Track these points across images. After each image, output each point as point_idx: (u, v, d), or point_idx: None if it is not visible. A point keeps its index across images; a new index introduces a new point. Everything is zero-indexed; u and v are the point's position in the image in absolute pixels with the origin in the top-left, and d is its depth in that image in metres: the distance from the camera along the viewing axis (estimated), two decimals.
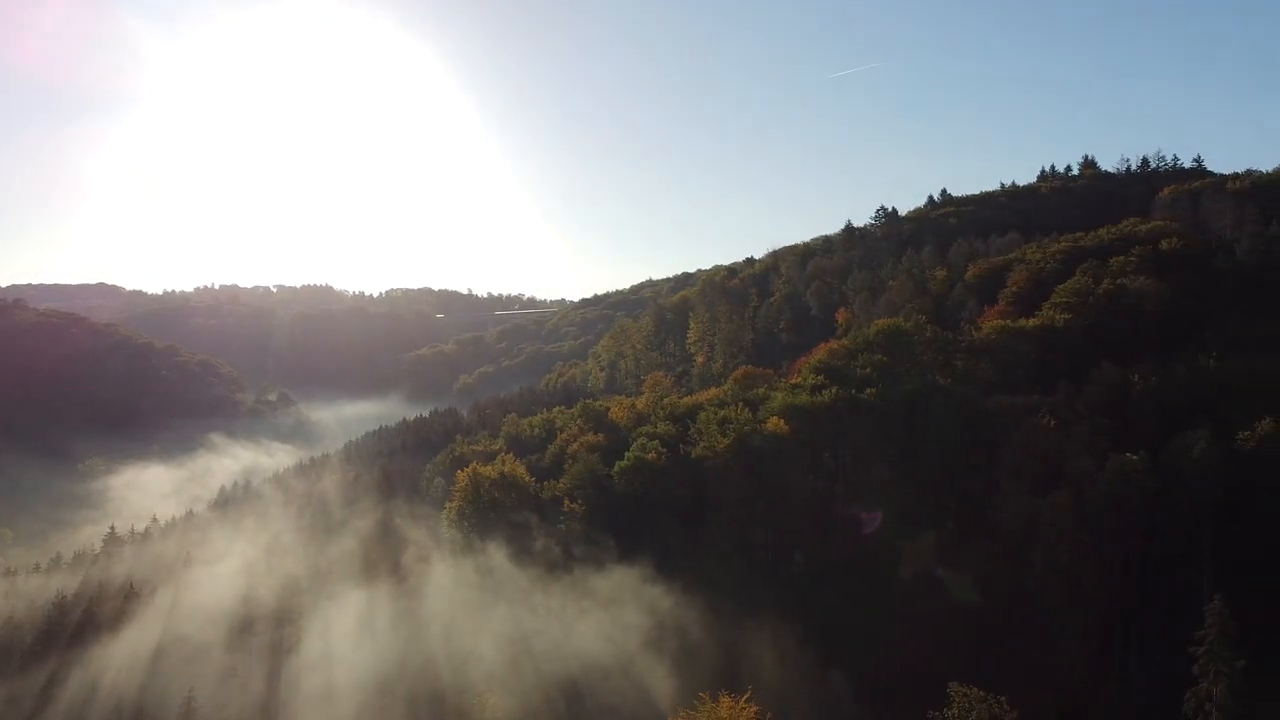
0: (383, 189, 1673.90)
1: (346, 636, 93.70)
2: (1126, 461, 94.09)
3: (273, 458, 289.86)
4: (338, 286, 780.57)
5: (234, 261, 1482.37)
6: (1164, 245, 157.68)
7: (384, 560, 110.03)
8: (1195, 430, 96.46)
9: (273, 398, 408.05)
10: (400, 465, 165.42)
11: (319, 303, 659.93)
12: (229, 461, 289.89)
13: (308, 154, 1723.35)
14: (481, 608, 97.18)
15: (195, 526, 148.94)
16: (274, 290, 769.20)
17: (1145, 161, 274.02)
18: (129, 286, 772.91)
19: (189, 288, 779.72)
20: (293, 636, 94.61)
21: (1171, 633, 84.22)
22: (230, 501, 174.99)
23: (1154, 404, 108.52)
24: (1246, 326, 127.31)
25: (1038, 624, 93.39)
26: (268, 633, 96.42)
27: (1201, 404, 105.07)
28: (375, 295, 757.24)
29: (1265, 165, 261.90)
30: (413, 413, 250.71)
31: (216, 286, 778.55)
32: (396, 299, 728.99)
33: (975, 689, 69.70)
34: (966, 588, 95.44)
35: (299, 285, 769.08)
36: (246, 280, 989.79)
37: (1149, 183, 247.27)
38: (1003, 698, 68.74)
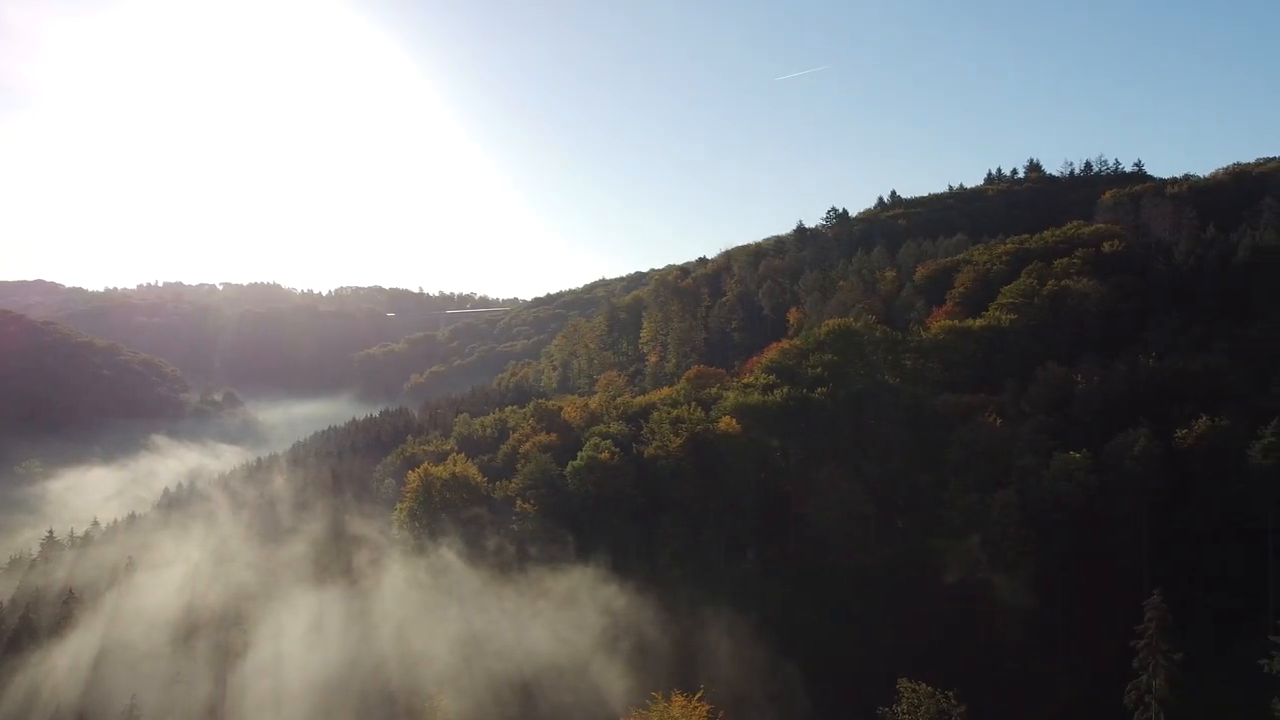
0: (333, 186, 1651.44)
1: (296, 639, 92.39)
2: (1070, 459, 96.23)
3: (219, 459, 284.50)
4: (285, 284, 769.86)
5: (178, 258, 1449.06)
6: (1106, 248, 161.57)
7: (334, 562, 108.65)
8: (1135, 428, 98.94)
9: (218, 398, 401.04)
10: (350, 466, 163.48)
11: (266, 301, 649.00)
12: (173, 463, 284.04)
13: (255, 149, 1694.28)
14: (433, 609, 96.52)
15: (138, 530, 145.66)
16: (219, 288, 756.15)
17: (1088, 165, 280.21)
18: (68, 283, 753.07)
19: (131, 285, 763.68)
20: (240, 640, 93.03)
21: (1112, 626, 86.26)
22: (175, 504, 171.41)
23: (1096, 402, 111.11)
24: (1184, 327, 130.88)
25: (983, 619, 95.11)
26: (215, 637, 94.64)
27: (1141, 402, 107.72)
28: (324, 294, 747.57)
29: (1202, 170, 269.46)
30: (363, 413, 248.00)
31: (160, 284, 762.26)
32: (346, 297, 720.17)
33: (924, 685, 70.65)
34: (1020, 590, 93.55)
35: (245, 283, 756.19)
36: (191, 277, 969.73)
37: (1092, 186, 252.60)
38: (950, 692, 69.76)
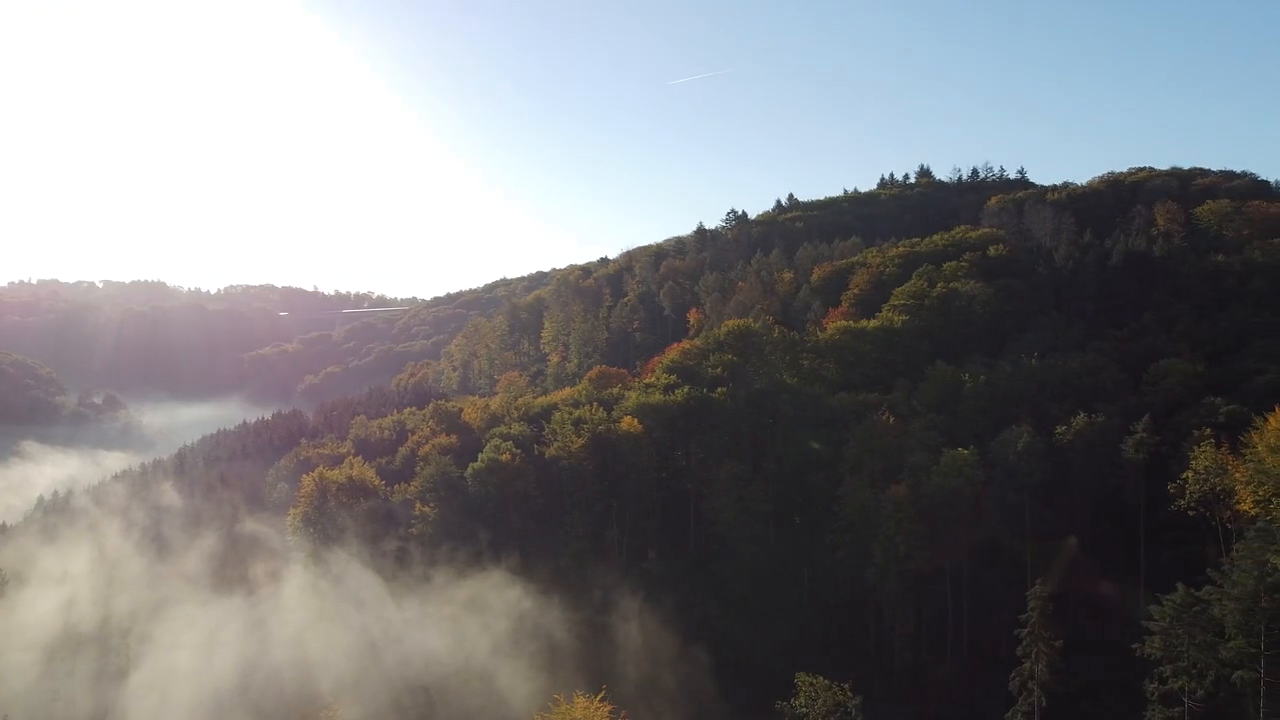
0: (222, 180, 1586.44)
1: (186, 652, 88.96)
2: (958, 455, 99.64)
3: (99, 465, 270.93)
4: (171, 283, 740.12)
5: (54, 255, 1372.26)
6: (991, 251, 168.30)
7: (224, 571, 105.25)
8: (1019, 425, 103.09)
9: (98, 400, 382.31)
10: (240, 471, 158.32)
11: (150, 300, 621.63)
12: (49, 470, 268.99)
13: (136, 139, 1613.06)
14: (330, 616, 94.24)
15: (11, 541, 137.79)
16: (99, 286, 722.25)
17: (975, 172, 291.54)
18: None
19: (2, 282, 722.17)
20: (124, 656, 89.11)
21: (998, 615, 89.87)
22: (51, 513, 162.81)
23: (982, 400, 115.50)
24: (1063, 328, 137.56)
25: (876, 611, 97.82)
26: (98, 653, 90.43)
27: (1024, 400, 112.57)
28: (213, 292, 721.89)
29: (1080, 178, 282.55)
30: (254, 415, 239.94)
31: (34, 281, 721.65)
32: (236, 296, 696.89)
33: (820, 678, 72.30)
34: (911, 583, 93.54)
35: (128, 281, 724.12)
36: (68, 275, 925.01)
37: (978, 192, 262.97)
38: (846, 684, 71.57)
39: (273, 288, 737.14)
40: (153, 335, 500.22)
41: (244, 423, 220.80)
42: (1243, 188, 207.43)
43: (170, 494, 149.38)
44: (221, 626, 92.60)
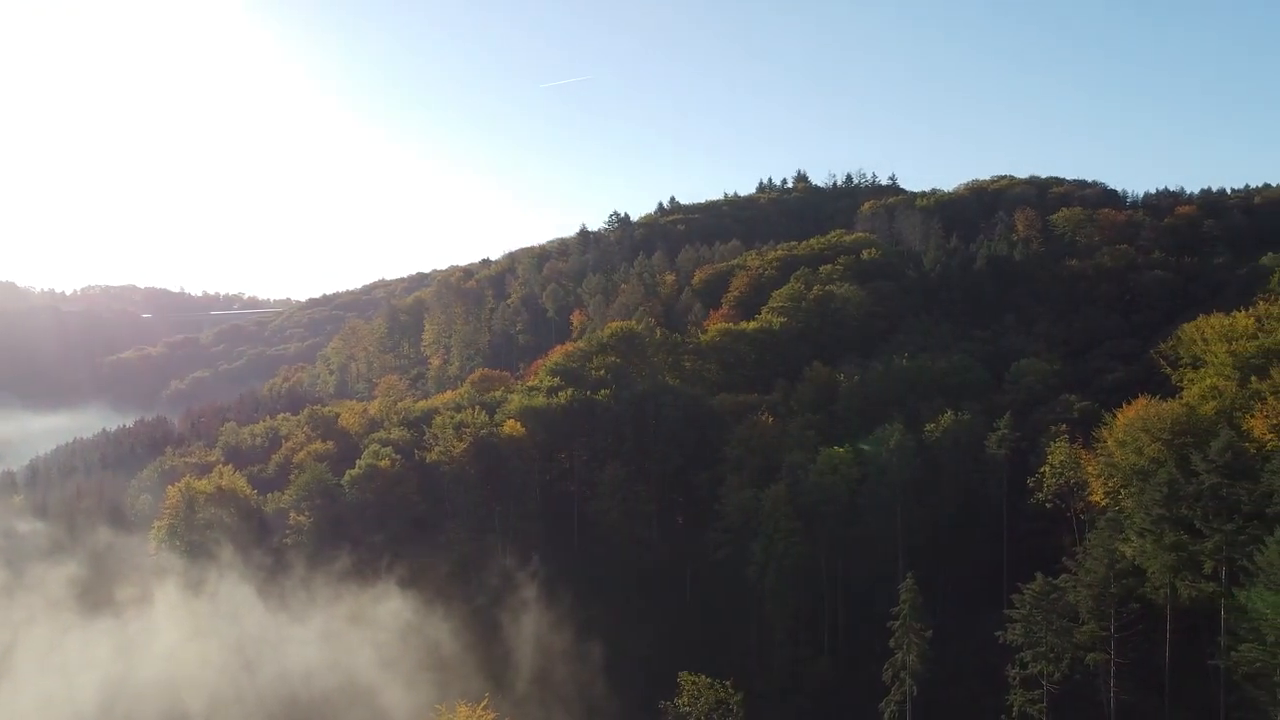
0: (77, 172, 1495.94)
1: (43, 677, 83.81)
2: (834, 454, 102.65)
3: None
4: (22, 283, 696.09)
5: None
6: (865, 255, 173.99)
7: (83, 590, 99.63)
8: (891, 423, 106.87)
9: None
10: (98, 482, 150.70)
11: None
12: None
13: None
14: (200, 633, 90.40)
15: None
16: None
17: (849, 177, 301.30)
18: None
19: None
20: None
21: (872, 608, 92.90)
22: None
23: (857, 400, 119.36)
24: (932, 328, 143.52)
25: (757, 607, 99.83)
26: None
27: (896, 399, 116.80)
28: (69, 293, 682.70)
29: (947, 184, 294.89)
30: (115, 423, 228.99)
31: None
32: (95, 297, 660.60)
33: (703, 676, 73.45)
34: (789, 579, 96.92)
35: None
36: None
37: (853, 197, 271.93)
38: (728, 682, 72.88)
39: (135, 288, 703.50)
40: (1, 339, 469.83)
41: (103, 431, 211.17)
42: (1094, 196, 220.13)
43: (22, 509, 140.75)
44: (82, 649, 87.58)
